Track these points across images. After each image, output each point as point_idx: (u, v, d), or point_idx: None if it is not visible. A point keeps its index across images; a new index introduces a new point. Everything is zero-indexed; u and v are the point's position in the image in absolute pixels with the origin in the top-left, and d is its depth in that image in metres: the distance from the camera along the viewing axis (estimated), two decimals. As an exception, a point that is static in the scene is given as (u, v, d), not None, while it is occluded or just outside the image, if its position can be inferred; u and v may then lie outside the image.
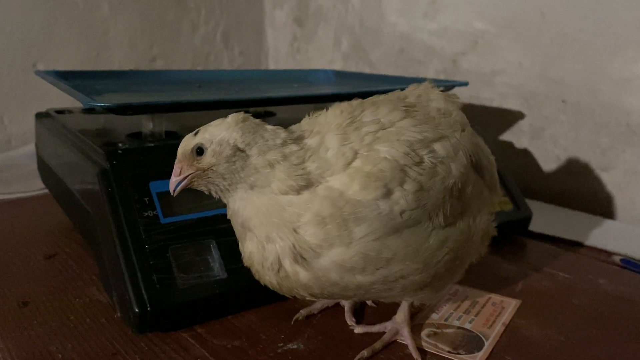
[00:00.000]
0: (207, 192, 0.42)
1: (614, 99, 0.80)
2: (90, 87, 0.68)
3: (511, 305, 0.51)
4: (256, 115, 0.70)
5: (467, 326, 0.48)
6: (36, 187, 0.82)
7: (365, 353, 0.43)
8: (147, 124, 0.56)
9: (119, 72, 0.81)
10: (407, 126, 0.41)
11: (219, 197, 0.42)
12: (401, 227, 0.38)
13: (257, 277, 0.42)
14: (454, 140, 0.42)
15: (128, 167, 0.49)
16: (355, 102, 0.44)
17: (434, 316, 0.49)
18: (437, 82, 0.77)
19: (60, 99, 0.88)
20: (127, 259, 0.46)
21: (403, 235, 0.39)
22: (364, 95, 0.70)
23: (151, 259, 0.46)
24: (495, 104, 0.94)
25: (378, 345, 0.44)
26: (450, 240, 0.41)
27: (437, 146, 0.41)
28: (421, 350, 0.44)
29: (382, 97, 0.46)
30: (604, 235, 0.72)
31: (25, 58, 1.02)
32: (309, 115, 0.45)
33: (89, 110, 0.73)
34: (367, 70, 1.14)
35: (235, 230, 0.42)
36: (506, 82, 0.92)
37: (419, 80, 0.85)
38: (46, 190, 0.79)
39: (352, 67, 1.17)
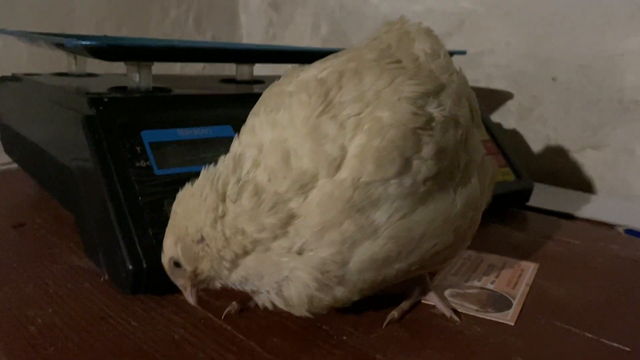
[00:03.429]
0: (229, 287, 0.36)
1: (605, 76, 0.79)
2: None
3: (530, 268, 0.48)
4: (243, 82, 0.66)
5: (490, 287, 0.44)
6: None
7: (395, 314, 0.39)
8: (134, 77, 0.51)
9: (92, 36, 0.75)
10: (402, 82, 0.34)
11: (240, 287, 0.35)
12: (425, 197, 0.34)
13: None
14: (454, 85, 0.38)
15: (116, 114, 0.44)
16: (332, 75, 0.35)
17: (452, 278, 0.46)
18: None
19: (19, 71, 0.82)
20: (118, 212, 0.40)
21: (429, 205, 0.34)
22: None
23: (146, 212, 0.41)
24: (482, 84, 0.92)
25: (405, 305, 0.40)
26: (471, 199, 0.37)
27: (443, 97, 0.36)
28: (447, 309, 0.40)
29: (363, 50, 0.38)
30: (603, 210, 0.70)
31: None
32: (265, 111, 0.35)
33: (61, 74, 0.67)
34: (347, 54, 1.11)
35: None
36: (494, 63, 0.90)
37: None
38: (9, 166, 0.72)
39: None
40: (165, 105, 0.48)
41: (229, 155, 0.35)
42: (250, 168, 0.33)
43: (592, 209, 0.70)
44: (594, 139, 0.82)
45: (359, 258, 0.33)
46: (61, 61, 0.69)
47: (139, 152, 0.43)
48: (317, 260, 0.32)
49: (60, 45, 0.49)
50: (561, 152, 0.85)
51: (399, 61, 0.37)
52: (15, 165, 0.71)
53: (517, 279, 0.46)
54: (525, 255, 0.52)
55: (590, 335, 0.38)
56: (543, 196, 0.72)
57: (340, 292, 0.34)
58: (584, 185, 0.82)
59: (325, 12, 1.14)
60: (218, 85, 0.63)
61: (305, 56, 0.63)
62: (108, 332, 0.37)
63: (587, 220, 0.66)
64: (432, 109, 0.35)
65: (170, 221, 0.35)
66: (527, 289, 0.44)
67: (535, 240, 0.57)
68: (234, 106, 0.50)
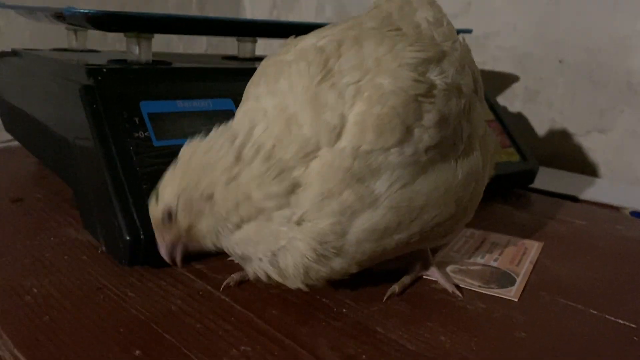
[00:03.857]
0: (208, 249, 0.35)
1: (613, 58, 0.78)
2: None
3: (534, 246, 0.48)
4: (245, 59, 0.65)
5: (493, 264, 0.44)
6: (-2, 139, 0.75)
7: (396, 288, 0.38)
8: (134, 49, 0.50)
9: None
10: (402, 48, 0.34)
11: (231, 251, 0.35)
12: (427, 166, 0.33)
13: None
14: (457, 53, 0.37)
15: (115, 85, 0.43)
16: (331, 44, 0.34)
17: (454, 255, 0.45)
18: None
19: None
20: (116, 183, 0.40)
21: (430, 175, 0.33)
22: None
23: (144, 183, 0.40)
24: (488, 67, 0.91)
25: (407, 280, 0.39)
26: (473, 171, 0.36)
27: (445, 64, 0.35)
28: (449, 285, 0.40)
29: (363, 18, 0.37)
30: (608, 193, 0.69)
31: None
32: (265, 81, 0.35)
33: (60, 50, 0.66)
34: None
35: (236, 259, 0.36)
36: (500, 45, 0.89)
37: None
38: (7, 144, 0.72)
39: (336, 34, 1.12)
40: (165, 77, 0.47)
41: (240, 118, 0.34)
42: (262, 133, 0.32)
43: (597, 191, 0.69)
44: (600, 122, 0.81)
45: (358, 228, 0.32)
46: (62, 38, 0.68)
47: (138, 122, 0.42)
48: (316, 231, 0.32)
49: (59, 17, 0.48)
50: (567, 136, 0.84)
51: (399, 29, 0.36)
52: (15, 143, 0.71)
53: (521, 257, 0.45)
54: (530, 235, 0.51)
55: (594, 312, 0.38)
56: (548, 179, 0.71)
57: (337, 264, 0.33)
58: (590, 169, 0.81)
59: (330, -6, 1.13)
60: (219, 61, 0.62)
61: (309, 31, 0.63)
62: (104, 302, 0.36)
63: (593, 203, 0.65)
64: (434, 76, 0.34)
65: (175, 170, 0.34)
66: (531, 266, 0.44)
67: (539, 221, 0.56)
68: (235, 80, 0.49)
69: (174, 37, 1.07)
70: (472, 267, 0.43)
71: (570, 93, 0.83)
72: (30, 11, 0.54)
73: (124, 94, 0.43)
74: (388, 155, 0.31)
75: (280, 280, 0.34)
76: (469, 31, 0.69)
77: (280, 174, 0.31)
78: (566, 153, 0.84)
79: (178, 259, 0.36)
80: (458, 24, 0.90)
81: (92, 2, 1.06)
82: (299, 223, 0.32)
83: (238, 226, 0.33)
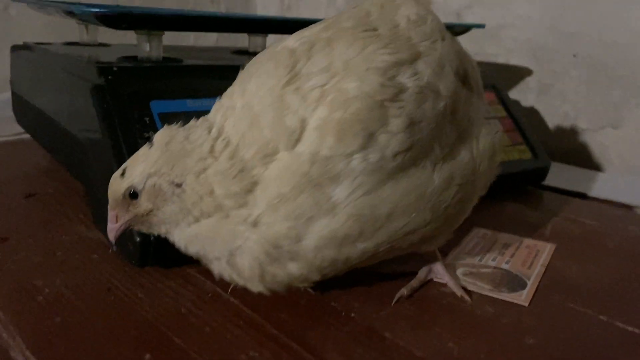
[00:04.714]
0: (147, 232, 0.35)
1: (630, 52, 0.77)
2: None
3: (546, 248, 0.47)
4: (255, 54, 0.65)
5: (505, 267, 0.43)
6: (11, 131, 0.75)
7: (404, 291, 0.38)
8: (144, 46, 0.50)
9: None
10: (373, 50, 0.33)
11: (184, 249, 0.34)
12: (395, 172, 0.32)
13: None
14: (437, 53, 0.35)
15: (126, 84, 0.43)
16: (304, 45, 0.33)
17: (466, 257, 0.45)
18: (451, 24, 0.73)
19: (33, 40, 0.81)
20: (126, 183, 0.40)
21: (400, 181, 0.32)
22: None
23: (154, 183, 0.40)
24: (501, 59, 0.90)
25: (415, 283, 0.39)
26: (457, 175, 0.35)
27: (420, 65, 0.34)
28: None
29: (342, 17, 0.36)
30: (621, 190, 0.68)
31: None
32: (239, 78, 0.35)
33: (72, 44, 0.66)
34: (363, 26, 1.08)
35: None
36: (513, 37, 0.88)
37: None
38: (20, 136, 0.72)
39: (348, 24, 1.11)
40: (175, 75, 0.47)
41: (214, 112, 0.34)
42: (230, 129, 0.32)
43: (610, 189, 0.68)
44: (615, 117, 0.79)
45: (316, 235, 0.31)
46: (74, 30, 0.68)
47: (148, 122, 0.42)
48: (271, 234, 0.31)
49: (70, 13, 0.48)
50: (580, 130, 0.83)
51: (375, 29, 0.35)
52: (27, 136, 0.71)
53: (533, 259, 0.45)
54: (542, 235, 0.51)
55: (604, 318, 0.37)
56: (560, 175, 0.71)
57: (295, 269, 0.32)
58: (603, 165, 0.81)
59: (342, -17, 1.12)
60: (230, 56, 0.61)
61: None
62: (114, 303, 0.36)
63: (605, 201, 0.65)
64: (406, 79, 0.33)
65: (152, 151, 0.33)
66: (543, 269, 0.43)
67: (551, 220, 0.55)
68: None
69: (185, 27, 1.07)
70: (484, 270, 0.43)
71: (584, 87, 0.82)
72: (42, 5, 0.54)
73: (135, 94, 0.43)
74: (349, 162, 0.31)
75: (241, 282, 0.34)
76: (481, 26, 0.68)
77: (241, 173, 0.31)
78: (579, 148, 0.83)
79: (114, 235, 0.35)
80: (471, 16, 0.90)
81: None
82: (254, 224, 0.32)
83: (197, 220, 0.33)
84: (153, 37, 0.49)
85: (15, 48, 0.67)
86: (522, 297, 0.39)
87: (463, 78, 0.37)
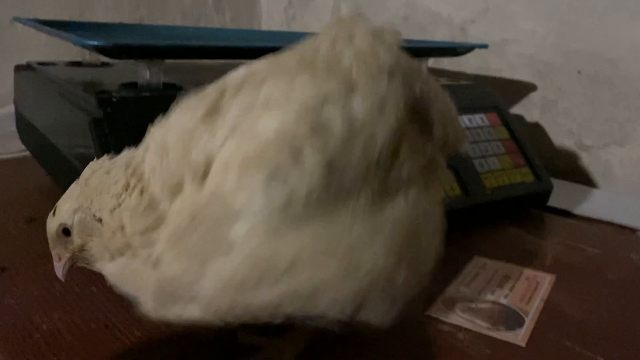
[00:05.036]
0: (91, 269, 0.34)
1: (635, 69, 0.76)
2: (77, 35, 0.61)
3: (546, 280, 0.47)
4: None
5: (503, 301, 0.43)
6: (14, 149, 0.75)
7: None
8: (144, 74, 0.49)
9: (107, 24, 0.74)
10: (300, 83, 0.29)
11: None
12: (304, 216, 0.28)
13: None
14: (377, 92, 0.30)
15: (124, 116, 0.43)
16: (237, 80, 0.31)
17: (464, 290, 0.45)
18: (453, 45, 0.73)
19: (39, 57, 0.81)
20: (123, 218, 0.40)
21: (307, 228, 0.28)
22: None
23: (151, 219, 0.40)
24: (505, 74, 0.89)
25: None
26: (387, 227, 0.30)
27: (355, 102, 0.29)
28: (457, 327, 0.39)
29: (287, 54, 0.33)
30: (624, 212, 0.68)
31: (2, 13, 0.94)
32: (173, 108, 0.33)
33: (75, 64, 0.66)
34: (367, 38, 1.08)
35: None
36: (518, 52, 0.87)
37: (428, 44, 0.81)
38: (25, 153, 0.72)
39: (352, 35, 1.11)
40: (174, 105, 0.47)
41: (141, 144, 0.33)
42: (146, 163, 0.31)
43: (613, 209, 0.68)
44: (619, 135, 0.79)
45: (212, 275, 0.29)
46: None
47: (146, 156, 0.42)
48: (168, 273, 0.29)
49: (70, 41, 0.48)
50: (584, 148, 0.82)
51: (312, 63, 0.31)
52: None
53: (532, 292, 0.45)
54: (542, 265, 0.51)
55: None
56: (563, 194, 0.70)
57: (195, 311, 0.30)
58: (607, 182, 0.80)
59: (346, -6, 1.11)
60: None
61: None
62: (111, 342, 0.36)
63: (608, 223, 0.64)
64: (332, 115, 0.29)
65: (76, 187, 0.33)
66: (542, 304, 0.43)
67: (552, 247, 0.55)
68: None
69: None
70: (482, 305, 0.42)
71: (589, 104, 0.81)
72: (44, 30, 0.54)
73: (134, 126, 0.43)
74: (251, 199, 0.28)
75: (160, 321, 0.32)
76: (484, 46, 0.68)
77: (147, 208, 0.30)
78: (584, 165, 0.82)
79: (62, 273, 0.34)
80: (475, 30, 0.90)
81: (108, 2, 1.07)
82: (155, 264, 0.30)
83: (112, 257, 0.32)
84: (153, 64, 0.49)
85: (18, 68, 0.67)
86: (519, 337, 0.39)
87: (421, 121, 0.33)
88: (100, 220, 0.31)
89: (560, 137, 0.85)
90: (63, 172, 0.53)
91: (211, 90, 0.32)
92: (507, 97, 0.89)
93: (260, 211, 0.27)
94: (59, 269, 0.34)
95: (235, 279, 0.28)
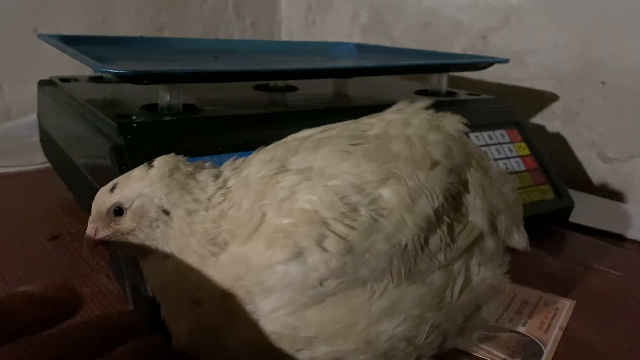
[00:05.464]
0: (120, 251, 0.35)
1: (659, 82, 0.75)
2: (98, 53, 0.62)
3: (566, 306, 0.47)
4: (277, 89, 0.65)
5: (521, 329, 0.43)
6: (38, 160, 0.77)
7: None
8: (164, 96, 0.50)
9: (129, 38, 0.75)
10: (344, 169, 0.31)
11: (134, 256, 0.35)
12: (324, 297, 0.29)
13: None
14: (413, 182, 0.32)
15: (144, 143, 0.44)
16: (295, 141, 0.35)
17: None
18: (472, 60, 0.72)
19: (64, 66, 0.82)
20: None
21: (327, 307, 0.29)
22: (389, 70, 0.65)
23: (170, 247, 0.41)
24: (527, 84, 0.88)
25: None
26: (406, 304, 0.31)
27: (385, 191, 0.31)
28: (474, 357, 0.39)
29: (339, 127, 0.36)
30: (648, 228, 0.67)
31: (26, 22, 0.96)
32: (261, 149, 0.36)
33: (97, 79, 0.67)
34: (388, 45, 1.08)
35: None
36: (539, 62, 0.86)
37: (450, 55, 0.80)
38: (48, 164, 0.73)
39: (371, 42, 1.11)
40: (194, 129, 0.47)
41: (227, 166, 0.35)
42: (231, 191, 0.33)
43: (636, 225, 0.67)
44: (643, 147, 0.78)
45: (237, 335, 0.31)
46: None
47: (166, 183, 0.43)
48: (206, 316, 0.31)
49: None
50: (607, 160, 0.81)
51: (366, 139, 0.34)
52: (53, 165, 0.73)
53: (551, 320, 0.44)
54: (561, 289, 0.50)
55: (623, 395, 0.37)
56: (585, 209, 0.69)
57: (217, 356, 0.32)
58: (630, 195, 0.79)
59: (366, 0, 1.11)
60: (250, 96, 0.62)
61: (337, 74, 0.62)
62: (131, 371, 0.37)
63: (631, 241, 0.63)
64: (362, 203, 0.30)
65: (148, 172, 0.33)
66: (561, 333, 0.43)
67: (572, 270, 0.54)
68: (262, 128, 0.50)
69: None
70: (499, 334, 0.42)
71: (612, 116, 0.80)
72: (65, 50, 0.54)
73: (153, 153, 0.43)
74: (274, 273, 0.29)
75: (179, 344, 0.33)
76: (505, 61, 0.67)
77: (212, 240, 0.31)
78: (605, 178, 0.81)
79: (90, 248, 0.35)
80: (496, 39, 0.89)
81: (130, 10, 1.08)
82: (197, 303, 0.31)
83: (165, 254, 0.32)
84: (174, 88, 0.50)
85: (42, 83, 0.68)
86: (538, 370, 0.38)
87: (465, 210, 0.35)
88: (167, 213, 0.32)
89: (583, 149, 0.84)
90: (83, 190, 0.54)
91: (281, 149, 0.34)
92: (529, 108, 0.88)
93: (287, 288, 0.29)
94: (90, 243, 0.34)
95: (255, 345, 0.30)
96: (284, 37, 1.30)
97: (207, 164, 0.35)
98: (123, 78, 0.43)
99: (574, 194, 0.71)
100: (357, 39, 1.13)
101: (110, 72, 0.43)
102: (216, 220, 0.32)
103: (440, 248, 0.32)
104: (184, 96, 0.51)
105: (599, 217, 0.69)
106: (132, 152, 0.43)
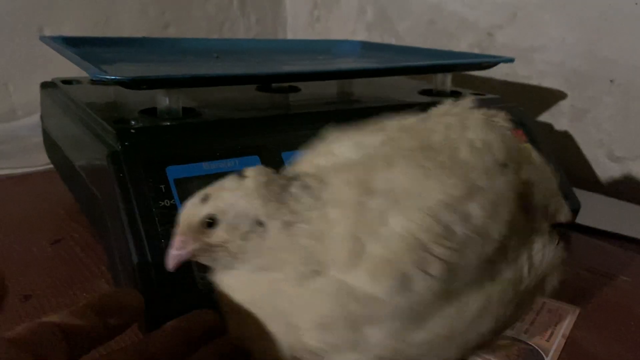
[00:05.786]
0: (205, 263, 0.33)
1: (669, 80, 0.73)
2: (99, 55, 0.62)
3: (569, 313, 0.46)
4: (279, 90, 0.65)
5: (523, 337, 0.42)
6: (41, 161, 0.77)
7: None
8: (163, 100, 0.49)
9: (131, 39, 0.75)
10: (430, 187, 0.31)
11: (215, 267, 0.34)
12: (426, 316, 0.31)
13: None
14: (492, 193, 0.33)
15: (142, 149, 0.43)
16: (360, 163, 0.33)
17: (484, 324, 0.44)
18: (477, 60, 0.71)
19: (69, 66, 0.81)
20: (139, 254, 0.40)
21: (428, 325, 0.31)
22: (393, 71, 0.64)
23: (168, 255, 0.40)
24: (534, 82, 0.87)
25: None
26: (493, 303, 0.33)
27: (473, 207, 0.31)
28: (474, 368, 0.39)
29: (402, 136, 0.35)
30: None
31: (30, 22, 0.95)
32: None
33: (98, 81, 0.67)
34: (392, 42, 1.07)
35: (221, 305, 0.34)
36: (546, 59, 0.85)
37: (455, 55, 0.79)
38: (52, 166, 0.73)
39: (377, 39, 1.10)
40: (193, 134, 0.47)
41: (306, 175, 0.33)
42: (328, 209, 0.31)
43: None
44: (652, 146, 0.76)
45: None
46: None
47: (164, 190, 0.42)
48: (301, 340, 0.31)
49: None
50: (615, 159, 0.80)
51: (435, 153, 0.33)
52: (56, 166, 0.73)
53: (554, 328, 0.44)
54: (566, 294, 0.49)
55: (626, 407, 0.36)
56: (593, 209, 0.68)
57: None
58: (638, 196, 0.78)
59: (371, -3, 1.10)
60: (252, 97, 0.61)
61: (347, 75, 0.61)
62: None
63: (638, 242, 0.62)
64: (456, 222, 0.31)
65: (244, 182, 0.32)
66: (563, 342, 0.42)
67: (577, 275, 0.53)
68: (264, 132, 0.49)
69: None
70: (501, 342, 0.42)
71: (620, 114, 0.78)
72: (65, 54, 0.54)
73: (151, 159, 0.43)
74: (382, 303, 0.29)
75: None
76: (510, 60, 0.66)
77: (314, 260, 0.30)
78: (613, 177, 0.80)
79: (174, 263, 0.33)
80: (502, 36, 0.88)
81: (133, 8, 1.07)
82: (295, 328, 0.31)
83: (259, 267, 0.31)
84: (172, 92, 0.49)
85: (44, 85, 0.68)
86: (539, 381, 0.38)
87: (526, 208, 0.36)
88: (262, 223, 0.31)
89: (590, 148, 0.82)
90: (83, 194, 0.54)
91: (352, 176, 0.32)
92: (535, 105, 0.87)
93: (394, 317, 0.30)
94: (176, 257, 0.32)
95: None
96: (289, 34, 1.29)
97: (290, 173, 0.33)
98: (121, 84, 0.43)
99: (582, 194, 0.70)
100: (362, 35, 1.13)
101: (108, 79, 0.42)
102: (318, 238, 0.30)
103: (512, 247, 0.34)
104: (183, 99, 0.51)
105: (607, 219, 0.68)
106: (130, 159, 0.43)
